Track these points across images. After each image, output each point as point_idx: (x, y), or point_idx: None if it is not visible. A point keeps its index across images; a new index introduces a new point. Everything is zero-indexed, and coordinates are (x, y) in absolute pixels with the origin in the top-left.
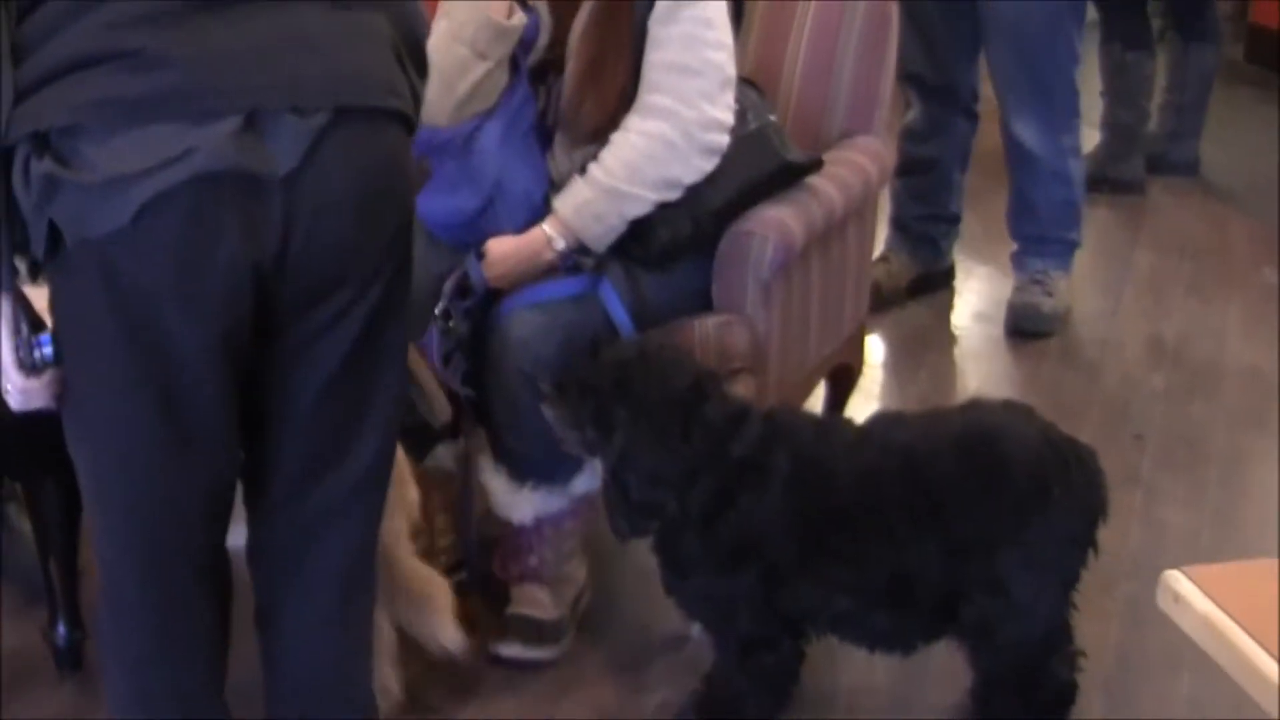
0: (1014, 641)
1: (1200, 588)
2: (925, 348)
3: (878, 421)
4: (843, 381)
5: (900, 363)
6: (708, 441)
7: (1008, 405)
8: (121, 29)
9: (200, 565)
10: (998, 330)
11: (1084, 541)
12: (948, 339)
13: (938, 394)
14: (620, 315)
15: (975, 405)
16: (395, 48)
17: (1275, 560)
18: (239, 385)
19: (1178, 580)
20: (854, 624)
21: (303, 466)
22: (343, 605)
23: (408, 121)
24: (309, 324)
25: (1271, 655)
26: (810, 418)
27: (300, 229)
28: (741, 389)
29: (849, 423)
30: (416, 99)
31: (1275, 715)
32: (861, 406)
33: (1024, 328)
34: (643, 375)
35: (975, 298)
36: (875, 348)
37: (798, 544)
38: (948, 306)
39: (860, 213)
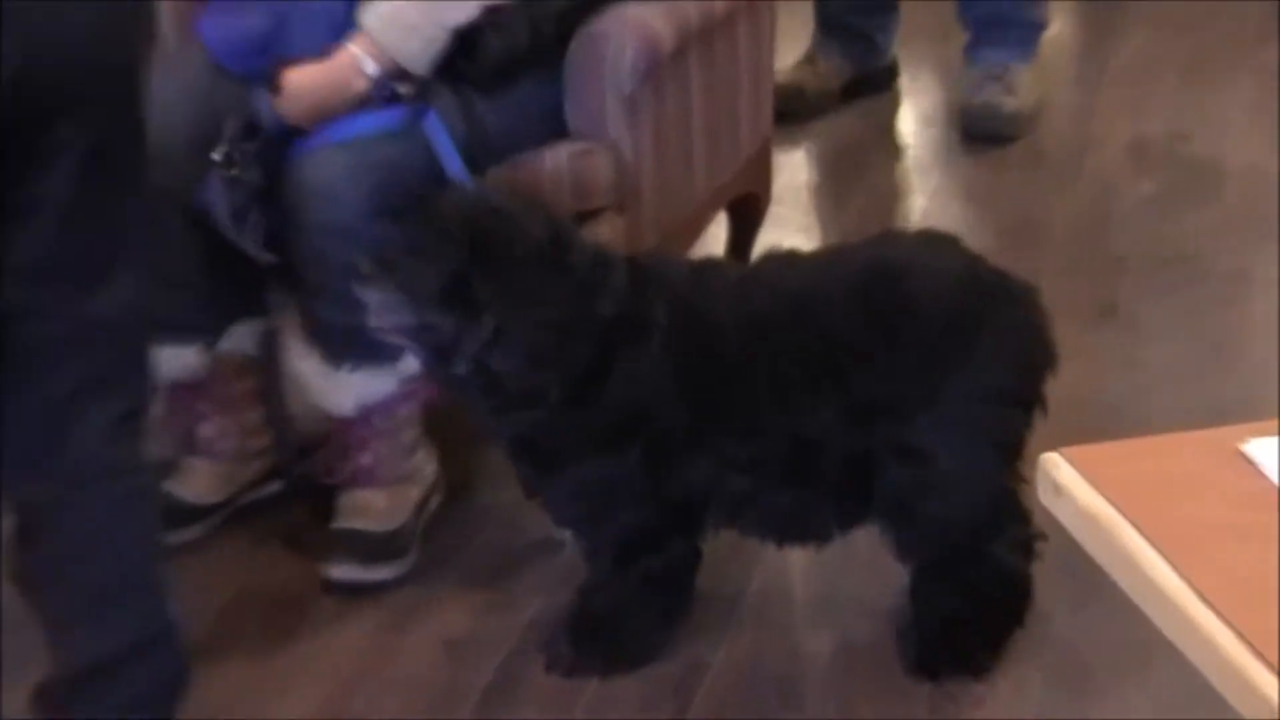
0: (941, 519)
1: (1084, 473)
2: (863, 165)
3: (765, 262)
4: (746, 216)
5: (832, 185)
6: (575, 302)
7: (926, 236)
8: None
9: None
10: (951, 137)
11: (1022, 397)
12: (890, 152)
13: (879, 220)
14: (449, 153)
15: (885, 238)
16: None
17: (1178, 435)
18: None
19: (1057, 465)
20: (753, 508)
21: (45, 329)
22: (117, 496)
23: None
24: (36, 150)
25: (1158, 549)
26: (683, 262)
27: (30, 51)
28: (607, 232)
29: (730, 265)
30: None
31: (1169, 633)
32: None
33: (981, 132)
34: (503, 232)
35: (922, 100)
36: (799, 168)
37: (684, 409)
38: (889, 113)
39: (750, 8)
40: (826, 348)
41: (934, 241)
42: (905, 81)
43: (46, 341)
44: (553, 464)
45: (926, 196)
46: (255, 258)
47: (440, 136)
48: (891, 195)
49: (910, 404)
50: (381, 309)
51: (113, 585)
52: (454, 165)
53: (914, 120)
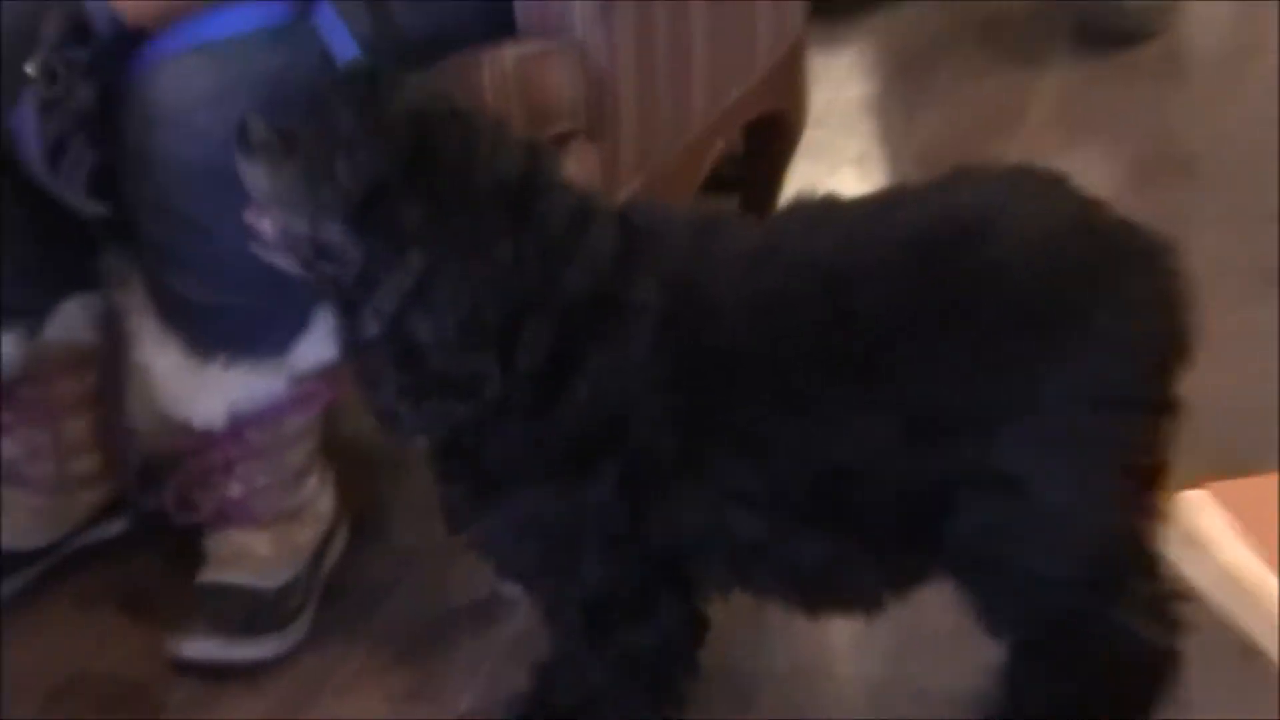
0: (1040, 573)
1: (1236, 518)
2: (936, 72)
3: (792, 216)
4: (770, 145)
5: (893, 101)
6: (538, 264)
7: (1018, 175)
8: None
9: None
10: (1060, 37)
11: (1150, 399)
12: (975, 55)
13: (957, 150)
14: (348, 52)
15: (959, 179)
16: None
17: None
18: None
19: (1199, 507)
20: (771, 561)
21: None
22: None
23: None
24: None
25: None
26: (682, 216)
27: None
28: (573, 169)
29: (746, 222)
30: None
31: None
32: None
33: (1102, 32)
34: (459, 144)
35: None
36: (846, 77)
37: (677, 421)
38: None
39: None
40: (874, 337)
41: (1029, 182)
42: None
43: None
44: (492, 486)
45: (1025, 116)
46: (80, 210)
47: (339, 35)
48: (976, 115)
49: (992, 414)
50: (267, 205)
51: None
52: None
53: (1010, 10)
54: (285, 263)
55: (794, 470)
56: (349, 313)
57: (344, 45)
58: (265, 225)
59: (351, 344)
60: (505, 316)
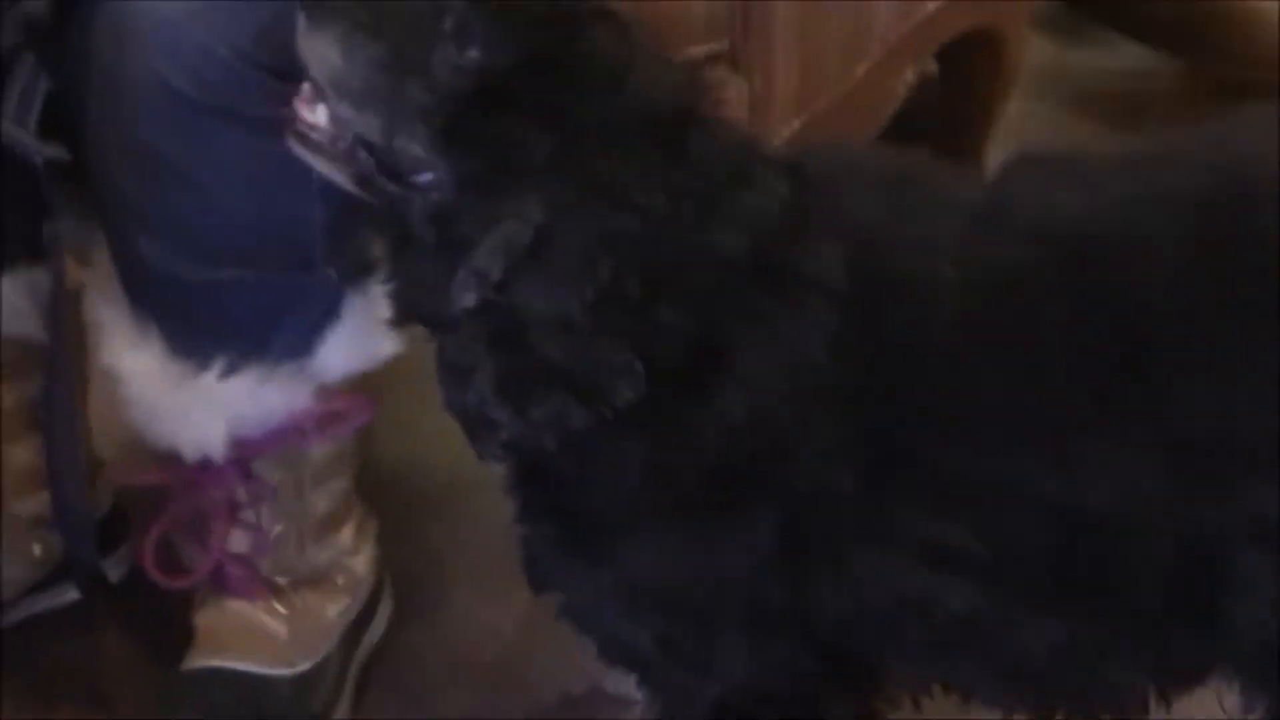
0: None
1: None
2: None
3: (1021, 172)
4: (980, 76)
5: None
6: (684, 220)
7: None
8: None
9: None
10: None
11: None
12: None
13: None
14: None
15: (1240, 127)
16: None
17: None
18: None
19: None
20: (992, 647)
21: None
22: None
23: None
24: None
25: None
26: (876, 165)
27: None
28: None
29: (956, 176)
30: None
31: None
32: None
33: None
34: (609, 51)
35: None
36: None
37: (860, 451)
38: None
39: None
40: (1147, 333)
41: None
42: None
43: None
44: (595, 531)
45: None
46: (27, 154)
47: None
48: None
49: None
50: (328, 91)
51: None
52: None
53: None
54: (334, 174)
55: (1028, 522)
56: (423, 269)
57: None
58: (318, 118)
59: (426, 316)
60: (644, 287)
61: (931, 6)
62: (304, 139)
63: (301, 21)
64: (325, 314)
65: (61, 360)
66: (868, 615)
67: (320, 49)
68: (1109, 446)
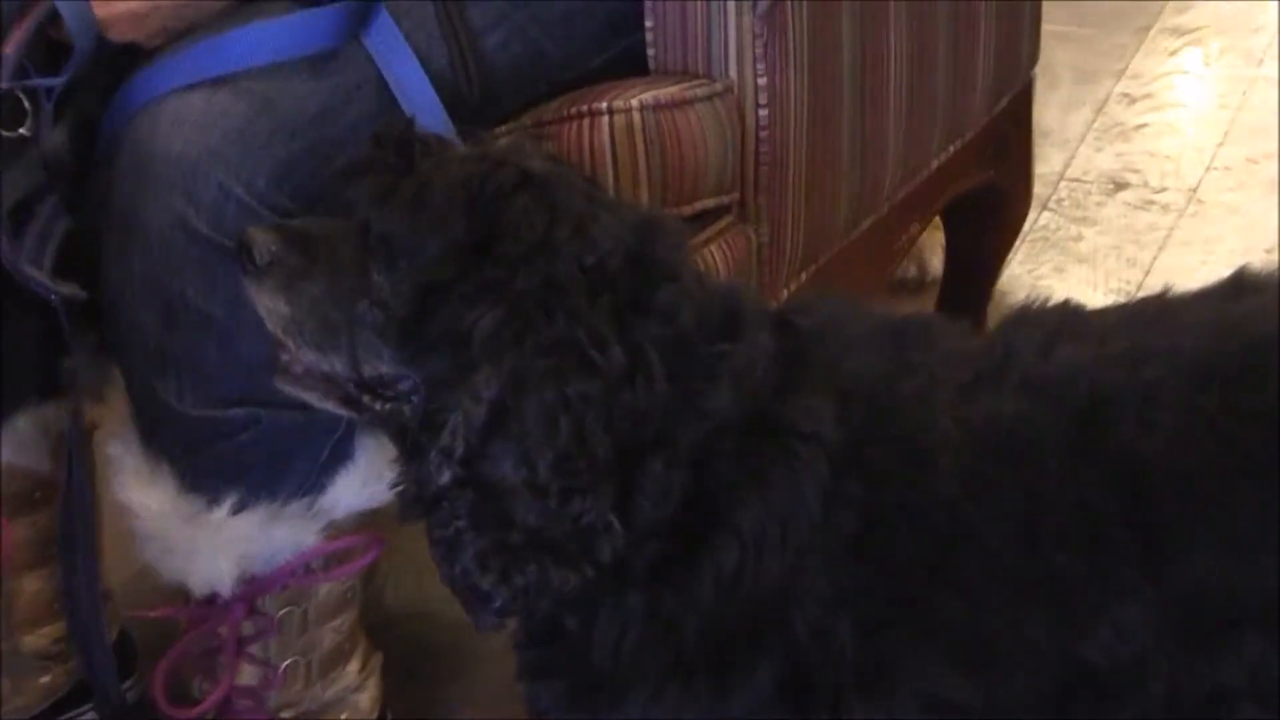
0: None
1: None
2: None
3: (1025, 326)
4: (984, 231)
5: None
6: (662, 383)
7: None
8: None
9: None
10: None
11: None
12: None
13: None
14: (415, 83)
15: (1242, 286)
16: None
17: None
18: None
19: None
20: None
21: None
22: None
23: None
24: None
25: None
26: (870, 319)
27: None
28: (717, 258)
29: (960, 332)
30: None
31: None
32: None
33: None
34: (534, 218)
35: None
36: (1082, 147)
37: (863, 609)
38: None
39: None
40: (1142, 493)
41: None
42: None
43: None
44: (599, 687)
45: None
46: (44, 293)
47: (400, 59)
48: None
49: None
50: (290, 339)
51: None
52: (425, 106)
53: None
54: (325, 405)
55: (1030, 677)
56: (414, 457)
57: (407, 73)
58: (293, 363)
59: (417, 497)
60: (622, 449)
61: (939, 161)
62: (289, 377)
63: (242, 278)
64: (336, 453)
65: (80, 494)
66: None
67: (267, 303)
68: (1107, 602)
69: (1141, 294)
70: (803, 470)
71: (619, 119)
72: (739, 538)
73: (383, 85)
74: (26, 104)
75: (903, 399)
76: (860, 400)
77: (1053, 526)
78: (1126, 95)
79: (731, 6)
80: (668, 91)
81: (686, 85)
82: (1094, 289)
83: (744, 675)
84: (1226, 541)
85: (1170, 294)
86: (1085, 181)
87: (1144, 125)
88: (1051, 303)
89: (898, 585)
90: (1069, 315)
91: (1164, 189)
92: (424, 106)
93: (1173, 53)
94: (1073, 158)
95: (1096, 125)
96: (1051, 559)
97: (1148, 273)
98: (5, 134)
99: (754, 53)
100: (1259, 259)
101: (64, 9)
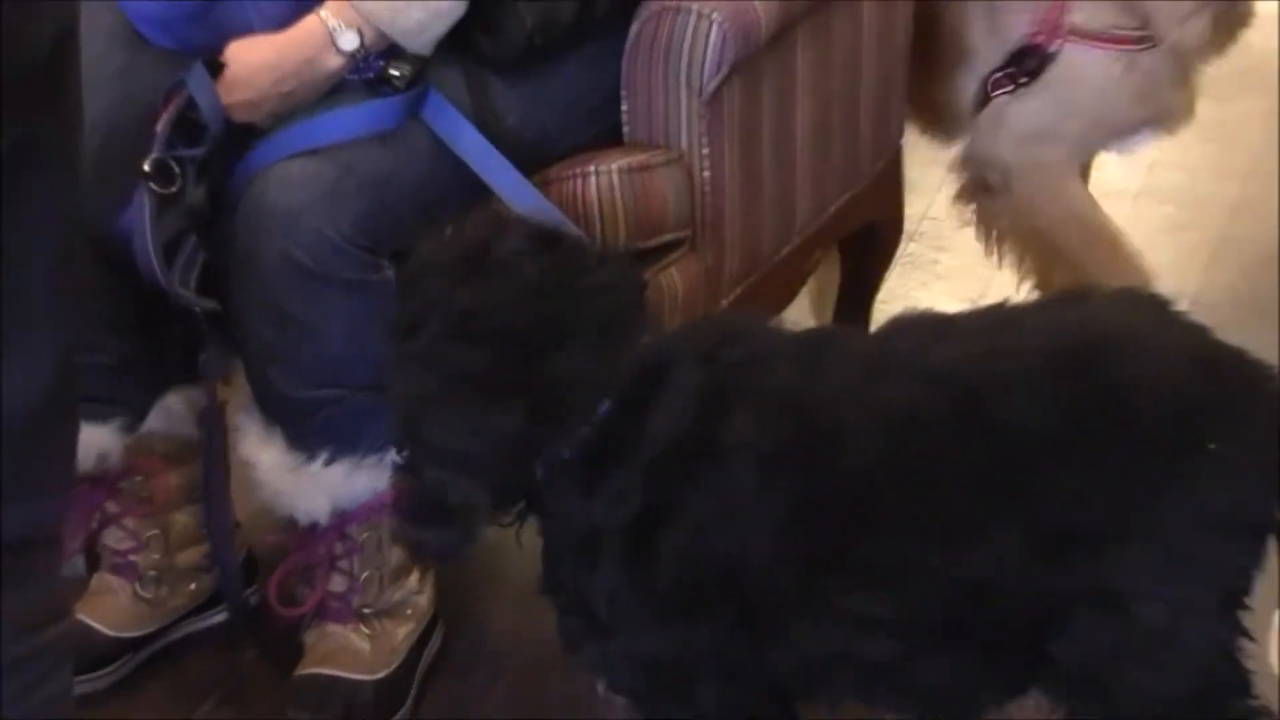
0: (1146, 691)
1: None
2: None
3: (904, 332)
4: (866, 258)
5: None
6: (620, 407)
7: (1130, 299)
8: None
9: None
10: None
11: (1261, 519)
12: None
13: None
14: (476, 143)
15: (1072, 299)
16: None
17: None
18: None
19: None
20: (893, 680)
21: None
22: None
23: None
24: None
25: None
26: (783, 336)
27: None
28: (676, 279)
29: (856, 337)
30: None
31: None
32: (918, 301)
33: None
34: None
35: None
36: (942, 190)
37: (794, 560)
38: None
39: None
40: (1005, 454)
41: (1144, 306)
42: None
43: None
44: (604, 630)
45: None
46: (189, 305)
47: (459, 126)
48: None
49: (1110, 533)
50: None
51: None
52: (488, 159)
53: None
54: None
55: (929, 592)
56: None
57: (467, 137)
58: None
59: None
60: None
61: (836, 206)
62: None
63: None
64: None
65: (213, 452)
66: (805, 666)
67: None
68: (989, 534)
69: (986, 303)
70: (734, 474)
71: (603, 178)
72: (686, 530)
73: (435, 150)
74: (175, 169)
75: (817, 398)
76: (778, 411)
77: (941, 482)
78: None
79: (684, 95)
80: (639, 158)
81: (652, 154)
82: (952, 300)
83: (707, 616)
84: (1073, 487)
85: (1010, 304)
86: (941, 220)
87: None
88: (924, 311)
89: (827, 542)
90: (938, 322)
91: None
92: (486, 160)
93: None
94: (931, 202)
95: (948, 179)
96: (942, 507)
97: (989, 286)
98: (159, 191)
99: (699, 129)
100: None
101: (199, 98)
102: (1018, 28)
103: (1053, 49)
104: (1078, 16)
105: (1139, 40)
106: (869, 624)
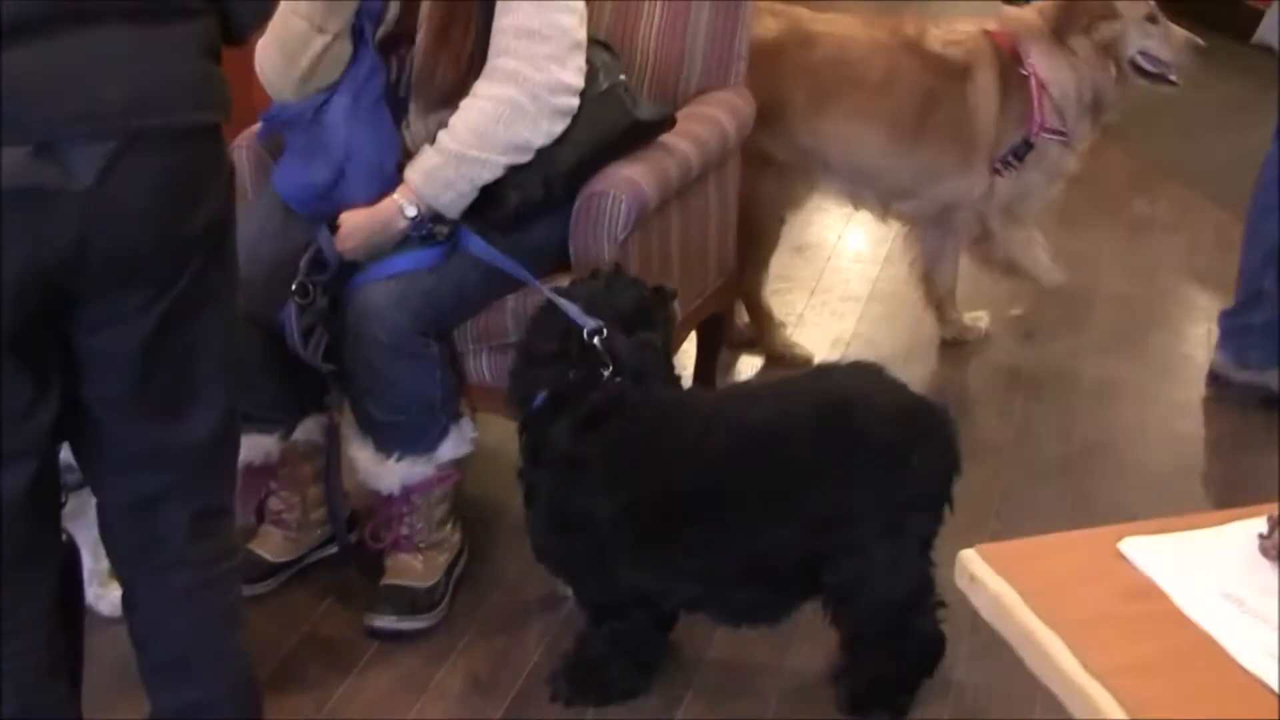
0: (879, 600)
1: (993, 567)
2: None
3: (730, 400)
4: (712, 333)
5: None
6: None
7: (858, 368)
8: None
9: (23, 553)
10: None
11: (941, 500)
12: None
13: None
14: (491, 254)
15: (824, 372)
16: (210, 48)
17: (1069, 534)
18: (46, 374)
19: (972, 560)
20: (711, 605)
21: (129, 447)
22: (193, 582)
23: (217, 126)
24: (110, 313)
25: (1057, 634)
26: (661, 398)
27: (98, 236)
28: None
29: (701, 401)
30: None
31: (1061, 693)
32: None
33: None
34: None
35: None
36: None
37: (626, 530)
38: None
39: (721, 164)
40: (785, 475)
41: (867, 373)
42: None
43: (129, 457)
44: (532, 522)
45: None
46: (319, 368)
47: (478, 245)
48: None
49: (857, 512)
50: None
51: (182, 656)
52: (499, 262)
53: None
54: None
55: (725, 558)
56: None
57: (483, 248)
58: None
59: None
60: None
61: (691, 306)
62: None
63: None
64: (442, 434)
65: (333, 451)
66: (643, 590)
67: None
68: (774, 524)
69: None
70: (589, 468)
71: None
72: (560, 483)
73: (463, 270)
74: (310, 288)
75: (663, 437)
76: (637, 439)
77: (745, 495)
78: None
79: (605, 242)
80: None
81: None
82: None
83: (571, 540)
84: (832, 490)
85: (795, 376)
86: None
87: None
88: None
89: (651, 522)
90: (753, 393)
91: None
92: (501, 262)
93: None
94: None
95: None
96: (743, 505)
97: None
98: (300, 301)
99: (615, 258)
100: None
101: (324, 246)
102: (1028, 128)
103: (1035, 140)
104: (1050, 119)
105: (1065, 136)
106: (685, 574)
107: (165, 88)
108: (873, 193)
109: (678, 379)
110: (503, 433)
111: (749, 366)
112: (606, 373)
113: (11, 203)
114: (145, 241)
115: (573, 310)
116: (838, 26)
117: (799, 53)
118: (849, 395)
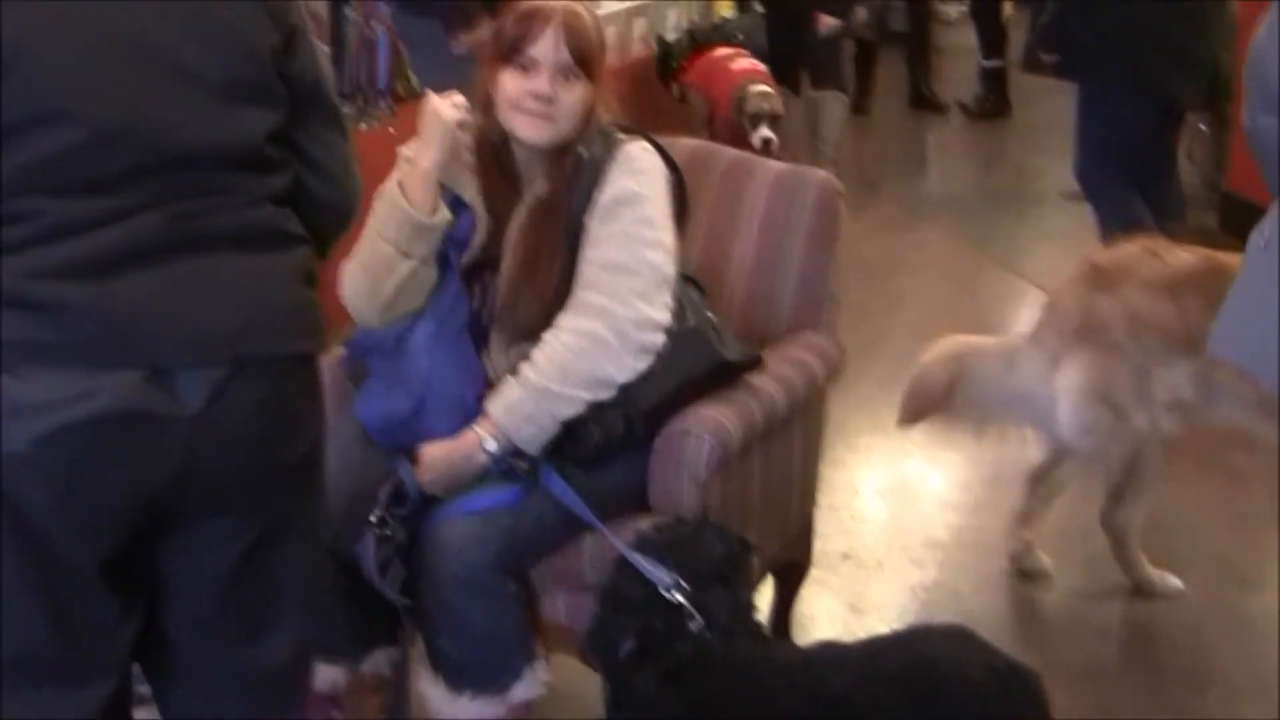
0: None
1: None
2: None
3: (816, 663)
4: (789, 579)
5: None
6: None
7: (950, 633)
8: (39, 280)
9: None
10: None
11: None
12: None
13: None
14: (571, 499)
15: (916, 635)
16: (309, 276)
17: None
18: (132, 595)
19: None
20: None
21: (201, 668)
22: None
23: (314, 355)
24: (202, 536)
25: None
26: (748, 655)
27: (201, 462)
28: None
29: (787, 662)
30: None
31: None
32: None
33: None
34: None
35: None
36: (837, 538)
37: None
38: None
39: (805, 408)
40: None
41: (957, 638)
42: None
43: (200, 678)
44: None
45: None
46: (395, 601)
47: (560, 488)
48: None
49: None
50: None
51: None
52: (577, 508)
53: None
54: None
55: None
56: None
57: (564, 492)
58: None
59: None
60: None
61: (769, 552)
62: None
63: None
64: (516, 675)
65: (401, 685)
66: None
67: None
68: None
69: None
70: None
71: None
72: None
73: (542, 510)
74: (389, 521)
75: (750, 690)
76: (731, 686)
77: None
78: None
79: (686, 484)
80: (659, 522)
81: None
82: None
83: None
84: None
85: (886, 637)
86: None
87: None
88: (830, 643)
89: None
90: (838, 654)
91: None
92: (574, 505)
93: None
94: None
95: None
96: None
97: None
98: (379, 534)
99: (695, 501)
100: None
101: (404, 477)
102: None
103: None
104: None
105: None
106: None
107: (270, 317)
108: None
109: (764, 634)
110: (575, 673)
111: (825, 613)
112: (693, 624)
113: (121, 426)
114: (245, 468)
115: (645, 566)
116: None
117: None
118: (937, 662)
